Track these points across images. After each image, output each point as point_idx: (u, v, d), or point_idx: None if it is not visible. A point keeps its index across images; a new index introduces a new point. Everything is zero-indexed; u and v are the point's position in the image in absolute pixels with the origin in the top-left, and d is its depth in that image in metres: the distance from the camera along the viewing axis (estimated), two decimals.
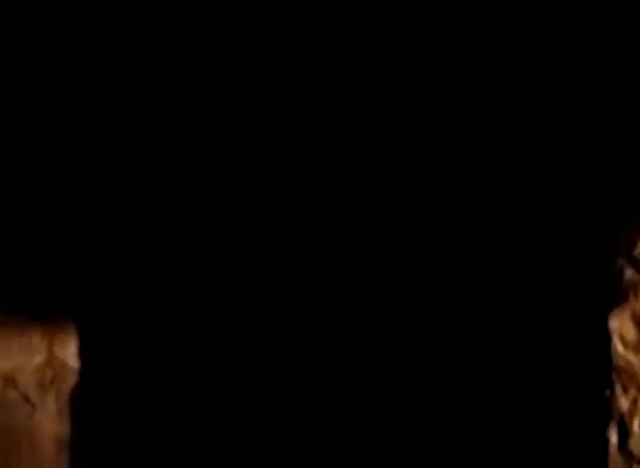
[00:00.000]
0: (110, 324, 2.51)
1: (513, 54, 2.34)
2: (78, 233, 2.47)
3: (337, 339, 2.48)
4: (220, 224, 2.49)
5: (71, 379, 2.44)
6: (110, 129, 2.47)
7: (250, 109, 2.49)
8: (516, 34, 2.34)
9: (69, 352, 2.44)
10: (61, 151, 2.44)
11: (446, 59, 2.40)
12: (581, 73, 2.28)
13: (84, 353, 2.45)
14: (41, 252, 2.43)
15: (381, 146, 2.46)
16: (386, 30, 2.42)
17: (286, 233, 2.49)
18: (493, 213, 2.36)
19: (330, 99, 2.47)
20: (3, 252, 2.41)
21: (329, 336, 2.48)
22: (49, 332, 2.42)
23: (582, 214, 2.26)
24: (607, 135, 2.25)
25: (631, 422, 2.23)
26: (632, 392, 2.23)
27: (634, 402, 2.23)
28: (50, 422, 2.41)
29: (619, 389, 2.23)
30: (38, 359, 2.42)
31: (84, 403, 2.44)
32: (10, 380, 2.39)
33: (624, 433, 2.23)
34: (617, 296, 2.25)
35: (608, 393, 2.23)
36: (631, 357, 2.24)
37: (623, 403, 2.23)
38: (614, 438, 2.22)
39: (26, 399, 2.40)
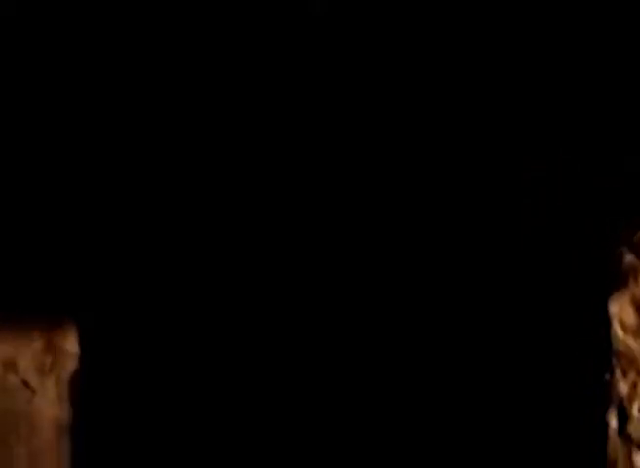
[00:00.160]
0: (110, 312, 2.51)
1: (513, 54, 2.34)
2: (78, 228, 2.46)
3: (337, 339, 2.48)
4: (221, 222, 2.49)
5: (71, 365, 2.44)
6: (110, 129, 2.47)
7: (250, 109, 2.48)
8: (516, 34, 2.34)
9: (69, 338, 2.44)
10: (62, 151, 2.44)
11: (446, 60, 2.40)
12: (581, 73, 2.28)
13: (84, 339, 2.45)
14: (43, 242, 2.43)
15: (381, 146, 2.46)
16: (386, 30, 2.42)
17: (286, 233, 2.49)
18: (493, 213, 2.37)
19: (330, 99, 2.47)
20: (5, 242, 2.41)
21: (329, 336, 2.48)
22: (49, 322, 2.42)
23: (582, 213, 2.26)
24: (607, 135, 2.25)
25: (631, 406, 2.24)
26: (632, 376, 2.24)
27: (634, 386, 2.24)
28: (49, 407, 2.41)
29: (618, 373, 2.23)
30: (37, 345, 2.42)
31: (84, 388, 2.44)
32: (9, 365, 2.39)
33: (624, 417, 2.24)
34: (616, 281, 2.25)
35: (607, 377, 2.24)
36: (631, 341, 2.24)
37: (623, 387, 2.23)
38: (613, 422, 2.23)
39: (26, 384, 2.40)
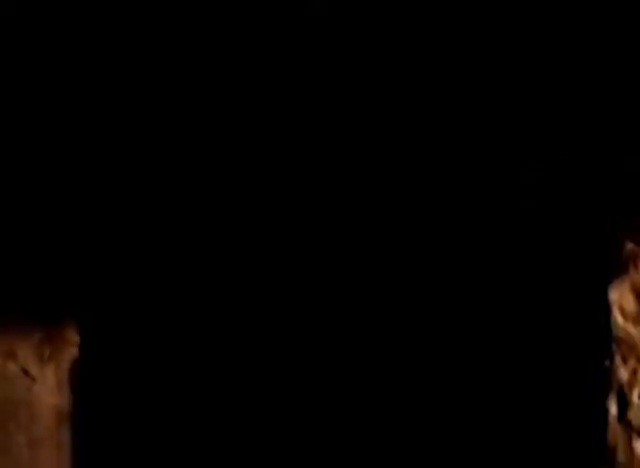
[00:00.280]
0: (111, 301, 2.51)
1: (513, 54, 2.35)
2: (80, 222, 2.47)
3: (336, 339, 2.48)
4: (220, 222, 2.49)
5: (71, 353, 2.44)
6: (110, 129, 2.47)
7: (250, 109, 2.48)
8: (516, 34, 2.34)
9: (69, 327, 2.44)
10: (61, 151, 2.44)
11: (446, 60, 2.40)
12: (581, 73, 2.29)
13: (84, 328, 2.45)
14: (43, 234, 2.43)
15: (381, 146, 2.46)
16: (386, 30, 2.43)
17: (286, 233, 2.49)
18: (493, 213, 2.37)
19: (330, 99, 2.47)
20: (6, 234, 2.41)
21: (329, 336, 2.48)
22: (49, 312, 2.43)
23: (582, 213, 2.26)
24: (607, 135, 2.26)
25: (631, 393, 2.24)
26: (632, 363, 2.24)
27: (634, 372, 2.24)
28: (49, 395, 2.41)
29: (618, 360, 2.24)
30: (38, 334, 2.42)
31: (84, 376, 2.44)
32: (9, 354, 2.39)
33: (624, 404, 2.24)
34: (616, 268, 2.26)
35: (607, 364, 2.24)
36: (631, 328, 2.25)
37: (623, 373, 2.24)
38: (613, 408, 2.24)
39: (25, 372, 2.40)
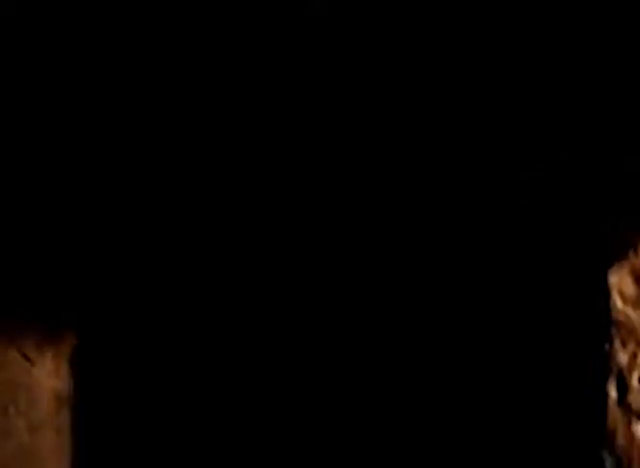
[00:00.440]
0: (111, 289, 2.51)
1: (513, 54, 2.35)
2: (82, 215, 2.46)
3: (336, 339, 2.48)
4: (220, 224, 2.49)
5: (70, 340, 2.44)
6: (110, 130, 2.47)
7: (250, 109, 2.48)
8: (516, 34, 2.34)
9: (70, 313, 2.44)
10: (61, 152, 2.44)
11: (446, 59, 2.40)
12: (581, 73, 2.29)
13: (83, 314, 2.46)
14: (44, 227, 2.43)
15: (381, 146, 2.46)
16: (386, 30, 2.42)
17: (285, 233, 2.49)
18: (493, 213, 2.37)
19: (330, 99, 2.46)
20: (7, 228, 2.42)
21: (329, 336, 2.48)
22: (50, 299, 2.43)
23: (582, 213, 2.27)
24: (607, 135, 2.26)
25: (630, 377, 2.25)
26: (631, 346, 2.25)
27: (633, 356, 2.25)
28: (48, 378, 2.41)
29: (617, 344, 2.24)
30: (38, 322, 2.42)
31: (83, 360, 2.44)
32: (10, 339, 2.39)
33: (623, 387, 2.24)
34: (616, 252, 2.26)
35: (607, 348, 2.25)
36: (630, 312, 2.25)
37: (622, 357, 2.24)
38: (613, 392, 2.24)
39: (25, 356, 2.40)
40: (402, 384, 2.46)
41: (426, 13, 2.40)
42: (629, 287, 2.26)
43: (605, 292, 2.25)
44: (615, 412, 2.24)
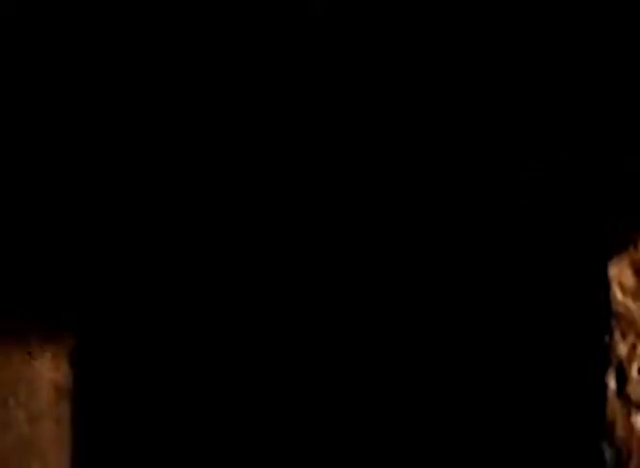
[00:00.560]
0: (111, 284, 2.51)
1: (513, 54, 2.35)
2: (83, 213, 2.46)
3: (336, 339, 2.48)
4: (220, 223, 2.49)
5: (71, 336, 2.44)
6: (110, 130, 2.46)
7: (250, 109, 2.48)
8: (516, 34, 2.34)
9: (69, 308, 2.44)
10: (61, 152, 2.43)
11: (446, 59, 2.40)
12: (581, 73, 2.29)
13: (83, 307, 2.46)
14: (44, 225, 2.43)
15: (381, 146, 2.46)
16: (386, 30, 2.42)
17: (285, 234, 2.49)
18: (493, 213, 2.37)
19: (330, 99, 2.46)
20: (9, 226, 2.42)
21: (328, 336, 2.48)
22: (51, 295, 2.43)
23: (582, 213, 2.27)
24: (607, 135, 2.26)
25: (630, 368, 2.25)
26: (631, 338, 2.25)
27: (633, 347, 2.25)
28: (48, 370, 2.41)
29: (617, 335, 2.25)
30: (39, 316, 2.42)
31: (83, 351, 2.44)
32: (8, 330, 2.39)
33: (623, 378, 2.25)
34: (616, 250, 2.27)
35: (607, 339, 2.25)
36: (630, 303, 2.26)
37: (622, 349, 2.25)
38: (612, 383, 2.25)
39: (25, 347, 2.40)
40: (402, 378, 2.46)
41: (426, 13, 2.40)
42: (629, 278, 2.27)
43: (605, 284, 2.26)
44: (614, 404, 2.25)
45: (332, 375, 2.48)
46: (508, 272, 2.37)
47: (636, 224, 2.25)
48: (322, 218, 2.48)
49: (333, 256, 2.48)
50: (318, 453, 2.49)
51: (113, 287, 2.48)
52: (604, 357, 2.25)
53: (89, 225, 2.45)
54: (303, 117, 2.47)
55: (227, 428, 2.52)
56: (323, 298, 2.48)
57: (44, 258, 2.43)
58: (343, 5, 2.42)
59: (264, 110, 2.48)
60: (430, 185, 2.44)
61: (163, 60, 2.46)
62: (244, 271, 2.50)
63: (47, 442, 2.41)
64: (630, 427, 2.25)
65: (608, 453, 2.25)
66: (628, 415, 2.25)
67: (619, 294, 2.26)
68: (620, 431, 2.25)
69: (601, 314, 2.26)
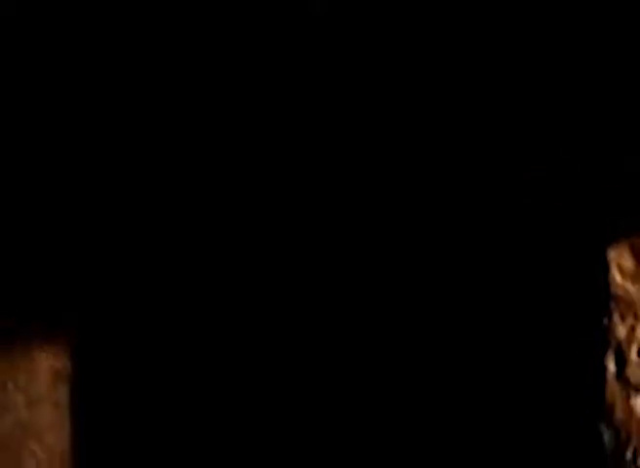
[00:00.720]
0: (110, 280, 2.51)
1: (513, 54, 2.34)
2: (82, 214, 2.46)
3: (336, 339, 2.48)
4: (219, 223, 2.49)
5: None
6: (111, 130, 2.46)
7: (249, 109, 2.48)
8: (516, 34, 2.34)
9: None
10: (61, 153, 2.43)
11: (446, 59, 2.40)
12: (581, 73, 2.29)
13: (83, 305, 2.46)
14: (45, 226, 2.44)
15: (381, 146, 2.45)
16: (386, 30, 2.42)
17: (285, 234, 2.49)
18: (493, 213, 2.37)
19: (330, 99, 2.46)
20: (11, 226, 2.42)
21: (328, 336, 2.48)
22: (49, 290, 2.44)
23: (582, 213, 2.27)
24: (607, 135, 2.26)
25: (629, 350, 2.25)
26: (630, 320, 2.25)
27: (632, 330, 2.25)
28: (47, 354, 2.41)
29: (616, 318, 2.25)
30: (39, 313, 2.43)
31: (83, 336, 2.44)
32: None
33: (622, 361, 2.25)
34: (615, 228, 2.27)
35: (605, 322, 2.25)
36: (629, 286, 2.26)
37: (621, 331, 2.25)
38: (611, 366, 2.25)
39: (25, 331, 2.40)
40: (401, 376, 2.46)
41: (426, 13, 2.39)
42: (628, 261, 2.26)
43: (604, 267, 2.26)
44: (613, 386, 2.25)
45: (332, 375, 2.48)
46: (508, 270, 2.37)
47: (636, 225, 2.25)
48: (322, 218, 2.48)
49: (333, 256, 2.48)
50: (318, 453, 2.49)
51: (113, 286, 2.49)
52: (603, 339, 2.25)
53: (89, 225, 2.45)
54: (304, 117, 2.47)
55: (225, 415, 2.52)
56: (323, 298, 2.48)
57: (44, 258, 2.43)
58: (343, 5, 2.41)
59: (264, 110, 2.48)
60: (431, 185, 2.43)
61: (163, 60, 2.46)
62: (243, 270, 2.49)
63: (45, 425, 2.41)
64: (629, 410, 2.25)
65: (607, 436, 2.25)
66: (627, 398, 2.25)
67: (617, 277, 2.25)
68: (619, 413, 2.25)
69: (600, 296, 2.26)
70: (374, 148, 2.46)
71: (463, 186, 2.41)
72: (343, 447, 2.49)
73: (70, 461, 2.43)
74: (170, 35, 2.45)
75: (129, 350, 2.50)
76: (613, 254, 2.26)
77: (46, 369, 2.41)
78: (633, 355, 2.25)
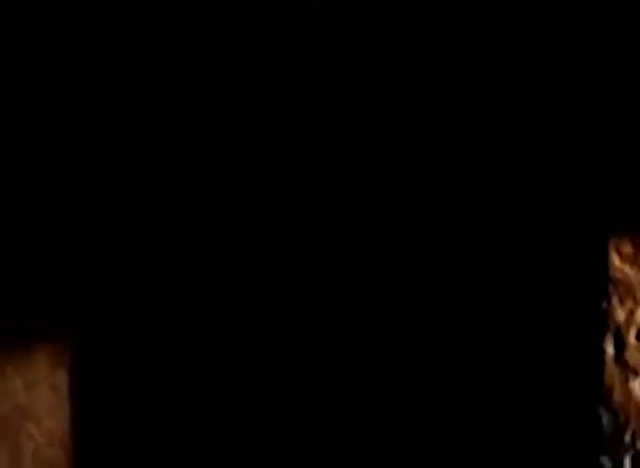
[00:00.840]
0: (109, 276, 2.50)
1: (513, 54, 2.33)
2: (83, 215, 2.45)
3: (336, 339, 2.48)
4: (219, 223, 2.48)
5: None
6: (111, 130, 2.44)
7: (250, 109, 2.46)
8: (516, 34, 2.32)
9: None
10: (61, 153, 2.42)
11: (446, 59, 2.38)
12: (581, 73, 2.27)
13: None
14: (46, 225, 2.43)
15: (381, 146, 2.44)
16: (386, 30, 2.40)
17: (285, 234, 2.48)
18: (493, 213, 2.37)
19: (330, 99, 2.45)
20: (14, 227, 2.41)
21: (328, 336, 2.48)
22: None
23: (582, 213, 2.27)
24: (607, 135, 2.25)
25: (627, 334, 2.26)
26: (629, 304, 2.26)
27: (630, 313, 2.26)
28: (44, 342, 2.40)
29: (615, 301, 2.25)
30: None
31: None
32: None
33: (621, 344, 2.26)
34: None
35: (605, 305, 2.25)
36: (628, 269, 2.26)
37: (620, 314, 2.25)
38: (610, 349, 2.25)
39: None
40: (400, 381, 2.47)
41: (426, 13, 2.38)
42: (627, 244, 2.26)
43: (603, 251, 2.26)
44: (612, 369, 2.25)
45: (331, 375, 2.48)
46: (508, 269, 2.37)
47: (636, 225, 2.25)
48: (322, 218, 2.47)
49: (333, 256, 2.47)
50: (318, 453, 2.50)
51: (113, 286, 2.48)
52: (602, 323, 2.26)
53: (89, 226, 2.45)
54: (304, 116, 2.46)
55: (221, 408, 2.52)
56: (323, 298, 2.48)
57: (44, 258, 2.42)
58: (343, 5, 2.40)
59: (264, 109, 2.46)
60: (431, 185, 2.43)
61: (163, 60, 2.45)
62: (243, 269, 2.49)
63: (43, 408, 2.41)
64: (628, 392, 2.26)
65: (605, 418, 2.26)
66: (626, 381, 2.26)
67: (616, 260, 2.26)
68: (617, 396, 2.26)
69: (599, 280, 2.26)
70: (374, 148, 2.45)
71: (464, 186, 2.40)
72: (343, 446, 2.49)
73: (69, 445, 2.43)
74: (170, 35, 2.44)
75: (128, 344, 2.50)
76: (612, 240, 2.27)
77: (44, 352, 2.41)
78: (632, 338, 2.26)
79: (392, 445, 2.48)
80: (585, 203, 2.27)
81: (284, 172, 2.47)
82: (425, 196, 2.43)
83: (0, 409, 2.37)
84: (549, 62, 2.30)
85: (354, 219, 2.46)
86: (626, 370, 2.26)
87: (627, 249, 2.27)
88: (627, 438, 2.26)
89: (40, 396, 2.40)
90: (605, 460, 2.26)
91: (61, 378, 2.42)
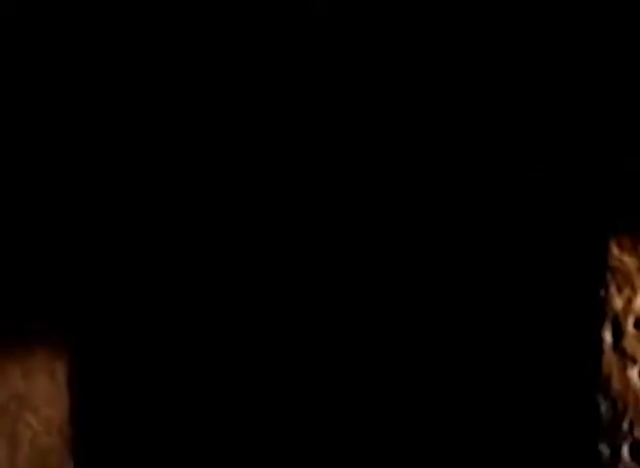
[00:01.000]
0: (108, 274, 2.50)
1: (513, 54, 2.34)
2: (83, 217, 2.46)
3: (336, 339, 2.48)
4: (219, 224, 2.48)
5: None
6: (111, 130, 2.45)
7: (250, 109, 2.47)
8: (516, 34, 2.33)
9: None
10: (61, 153, 2.42)
11: (446, 60, 2.39)
12: (581, 74, 2.28)
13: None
14: (45, 228, 2.43)
15: (381, 146, 2.45)
16: (386, 30, 2.41)
17: (285, 234, 2.48)
18: (493, 213, 2.37)
19: (330, 99, 2.45)
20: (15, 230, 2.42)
21: (328, 336, 2.48)
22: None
23: (582, 213, 2.27)
24: (607, 135, 2.26)
25: (625, 322, 2.26)
26: (626, 292, 2.26)
27: (628, 301, 2.26)
28: (44, 342, 2.41)
29: (613, 289, 2.26)
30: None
31: (80, 311, 2.44)
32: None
33: (619, 332, 2.26)
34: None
35: (602, 293, 2.26)
36: (626, 258, 2.26)
37: (618, 302, 2.26)
38: (608, 337, 2.26)
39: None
40: (400, 380, 2.47)
41: (426, 13, 2.39)
42: (626, 241, 2.27)
43: (602, 239, 2.27)
44: (610, 357, 2.26)
45: (331, 375, 2.49)
46: (508, 266, 2.37)
47: (637, 225, 2.26)
48: (322, 218, 2.47)
49: (333, 256, 2.48)
50: (318, 453, 2.50)
51: (113, 286, 2.48)
52: (600, 311, 2.26)
53: (89, 226, 2.45)
54: (304, 116, 2.46)
55: (219, 400, 2.52)
56: (323, 297, 2.48)
57: (44, 258, 2.42)
58: (343, 5, 2.41)
59: (264, 109, 2.47)
60: (431, 185, 2.43)
61: (163, 60, 2.45)
62: (243, 270, 2.49)
63: (41, 396, 2.41)
64: (626, 380, 2.26)
65: (604, 406, 2.26)
66: (624, 369, 2.26)
67: (615, 249, 2.26)
68: (615, 384, 2.26)
69: (597, 268, 2.27)
70: (374, 148, 2.45)
71: (464, 186, 2.41)
72: (343, 446, 2.49)
73: (67, 433, 2.43)
74: (170, 35, 2.44)
75: (127, 339, 2.50)
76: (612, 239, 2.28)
77: (43, 340, 2.41)
78: (630, 326, 2.26)
79: (390, 439, 2.47)
80: (585, 203, 2.28)
81: (284, 171, 2.48)
82: (426, 196, 2.44)
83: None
84: (549, 63, 2.31)
85: (355, 219, 2.47)
86: (624, 358, 2.26)
87: (626, 238, 2.27)
88: (625, 425, 2.27)
89: (38, 384, 2.40)
90: (603, 448, 2.26)
91: (60, 367, 2.42)
